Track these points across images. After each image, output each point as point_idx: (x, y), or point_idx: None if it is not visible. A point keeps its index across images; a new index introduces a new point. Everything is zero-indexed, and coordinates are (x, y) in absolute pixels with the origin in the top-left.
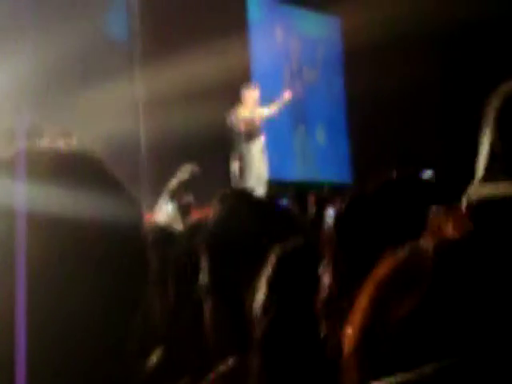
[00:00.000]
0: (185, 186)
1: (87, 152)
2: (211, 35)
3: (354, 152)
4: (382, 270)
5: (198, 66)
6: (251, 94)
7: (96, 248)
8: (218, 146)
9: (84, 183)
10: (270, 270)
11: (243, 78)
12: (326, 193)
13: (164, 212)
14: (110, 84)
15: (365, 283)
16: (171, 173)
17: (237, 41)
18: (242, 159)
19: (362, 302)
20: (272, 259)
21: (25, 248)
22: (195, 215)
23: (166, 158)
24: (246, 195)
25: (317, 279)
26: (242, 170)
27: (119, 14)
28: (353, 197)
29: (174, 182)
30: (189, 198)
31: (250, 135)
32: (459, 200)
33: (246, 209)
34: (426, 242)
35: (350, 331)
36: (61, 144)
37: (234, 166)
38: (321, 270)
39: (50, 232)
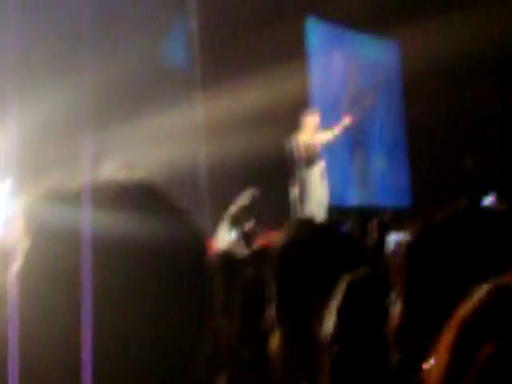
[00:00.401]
0: (246, 212)
1: (149, 182)
2: (270, 61)
3: (413, 178)
4: (467, 308)
5: (258, 92)
6: (311, 120)
7: (160, 274)
8: (278, 172)
9: (145, 212)
10: (340, 298)
11: (302, 103)
12: (387, 218)
13: (226, 238)
14: (171, 110)
15: (449, 321)
16: (231, 198)
17: (296, 66)
18: (301, 184)
19: (447, 340)
20: (342, 287)
21: (91, 274)
22: (259, 241)
23: (226, 183)
24: (311, 223)
25: (386, 308)
26: (301, 196)
27: (179, 41)
28: (424, 225)
29: (234, 208)
30: (251, 224)
31: (310, 160)
32: None
33: (313, 236)
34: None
35: (434, 368)
36: (124, 174)
37: (294, 192)
38: (390, 298)
39: (115, 261)
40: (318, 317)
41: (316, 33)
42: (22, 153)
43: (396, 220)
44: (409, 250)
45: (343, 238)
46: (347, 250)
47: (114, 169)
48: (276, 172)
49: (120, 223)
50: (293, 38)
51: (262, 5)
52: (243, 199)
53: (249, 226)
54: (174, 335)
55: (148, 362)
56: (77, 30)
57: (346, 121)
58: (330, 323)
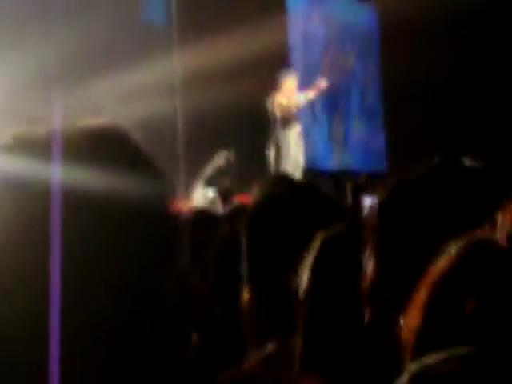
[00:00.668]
0: (222, 173)
1: (117, 128)
2: (249, 18)
3: (390, 141)
4: (441, 266)
5: (236, 50)
6: (289, 81)
7: (125, 220)
8: (255, 131)
9: (112, 159)
10: (314, 254)
11: (281, 63)
12: (362, 182)
13: (202, 197)
14: (148, 67)
15: (422, 278)
16: (208, 156)
17: (275, 25)
18: (277, 146)
19: (421, 298)
20: (316, 244)
21: (58, 222)
22: (237, 200)
23: (202, 140)
24: (287, 180)
25: (359, 265)
26: (277, 157)
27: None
28: (396, 184)
29: (210, 168)
30: (227, 183)
31: (286, 122)
32: (505, 188)
33: (288, 193)
34: (490, 237)
35: (409, 323)
36: (91, 122)
37: (270, 152)
38: (363, 256)
39: (79, 206)
40: (292, 273)
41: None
42: None
43: (371, 184)
44: (381, 207)
45: (319, 195)
46: (323, 206)
47: (79, 117)
48: (253, 131)
49: (85, 170)
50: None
51: None
52: (218, 160)
53: (225, 185)
54: (139, 284)
55: (115, 307)
56: None
57: (323, 84)
58: (304, 279)
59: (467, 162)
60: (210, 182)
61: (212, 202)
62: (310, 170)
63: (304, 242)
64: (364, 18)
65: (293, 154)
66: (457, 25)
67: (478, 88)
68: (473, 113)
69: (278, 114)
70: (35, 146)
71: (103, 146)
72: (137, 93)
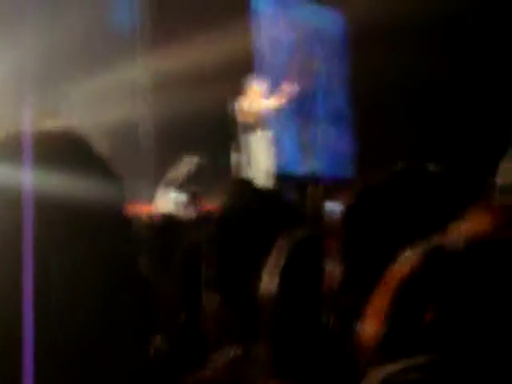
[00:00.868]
0: (191, 177)
1: (71, 130)
2: (215, 23)
3: (357, 146)
4: (402, 268)
5: (202, 54)
6: (255, 86)
7: (80, 222)
8: (221, 135)
9: (67, 160)
10: (278, 258)
11: (247, 67)
12: (326, 187)
13: (169, 201)
14: (117, 71)
15: (381, 281)
16: (175, 160)
17: (241, 30)
18: (242, 150)
19: (381, 303)
20: (279, 249)
21: (30, 228)
22: (205, 205)
23: (170, 145)
24: (250, 185)
25: (322, 269)
26: (242, 162)
27: (123, 3)
28: (361, 189)
29: (178, 173)
30: (195, 188)
31: (252, 127)
32: (469, 193)
33: (251, 198)
34: (452, 240)
35: (369, 328)
36: (48, 123)
37: (234, 157)
38: (327, 261)
39: (36, 209)
40: (256, 278)
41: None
42: None
43: (336, 190)
44: (347, 212)
45: (280, 200)
46: (284, 212)
47: (37, 118)
48: (218, 136)
49: (41, 173)
50: (238, 1)
51: None
52: (186, 165)
53: (193, 190)
54: (100, 289)
55: (82, 313)
56: None
57: (290, 88)
58: (266, 284)
59: (431, 166)
60: (180, 187)
61: (181, 206)
62: (278, 176)
63: (267, 248)
64: (331, 22)
65: (259, 159)
66: (426, 28)
67: (446, 92)
68: (441, 117)
69: (241, 119)
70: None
71: (59, 148)
72: (105, 97)
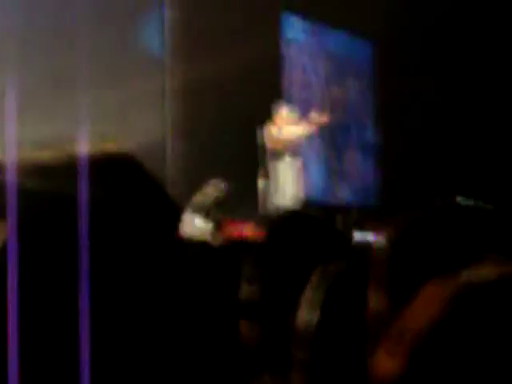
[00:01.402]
0: (217, 203)
1: (128, 154)
2: (245, 50)
3: (384, 176)
4: (428, 300)
5: (231, 80)
6: (283, 113)
7: (135, 246)
8: (248, 161)
9: (123, 185)
10: (316, 289)
11: (276, 94)
12: (353, 216)
13: (193, 226)
14: (142, 92)
15: (408, 312)
16: (198, 184)
17: (271, 56)
18: (269, 177)
19: (403, 341)
20: (317, 278)
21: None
22: (228, 231)
23: (194, 169)
24: (299, 213)
25: (364, 302)
26: (269, 188)
27: (154, 27)
28: (405, 222)
29: (203, 198)
30: (220, 216)
31: (278, 153)
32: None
33: (303, 226)
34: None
35: (385, 365)
36: (100, 147)
37: (261, 183)
38: (369, 293)
39: (91, 232)
40: (295, 308)
41: (292, 28)
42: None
43: (362, 219)
44: (391, 245)
45: (334, 230)
46: (335, 242)
47: (93, 140)
48: (247, 161)
49: (96, 197)
50: (269, 28)
51: None
52: (212, 189)
53: (218, 216)
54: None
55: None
56: (60, 7)
57: (318, 118)
58: (305, 314)
59: (466, 201)
60: (205, 213)
61: (203, 232)
62: (306, 204)
63: (310, 277)
64: (361, 51)
65: (285, 186)
66: (457, 59)
67: (473, 127)
68: (467, 152)
69: (270, 145)
70: (43, 174)
71: (115, 172)
72: (132, 118)
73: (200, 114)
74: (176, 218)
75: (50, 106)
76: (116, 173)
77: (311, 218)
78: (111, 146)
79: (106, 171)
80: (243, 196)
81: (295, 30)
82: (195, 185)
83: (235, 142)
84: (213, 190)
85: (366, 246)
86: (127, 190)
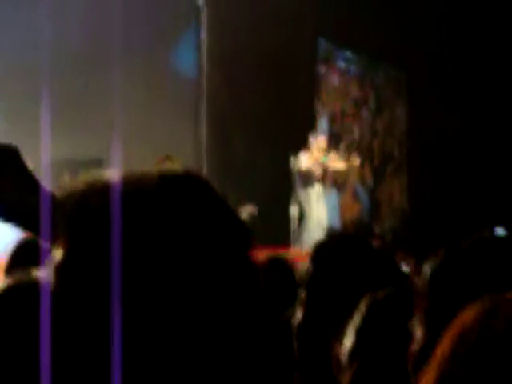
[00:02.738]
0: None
1: (192, 173)
2: (279, 73)
3: (411, 202)
4: (462, 322)
5: (265, 107)
6: (317, 142)
7: (207, 269)
8: (281, 188)
9: (192, 204)
10: (359, 317)
11: (310, 121)
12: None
13: None
14: (174, 119)
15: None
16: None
17: (306, 88)
18: (300, 204)
19: (441, 352)
20: (362, 307)
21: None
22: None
23: (226, 194)
24: (347, 236)
25: (408, 331)
26: (300, 216)
27: (189, 50)
28: (448, 251)
29: None
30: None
31: (310, 182)
32: None
33: (358, 255)
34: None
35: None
36: (165, 167)
37: (293, 210)
38: (412, 322)
39: (157, 257)
40: (339, 335)
41: (327, 54)
42: None
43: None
44: (433, 275)
45: (389, 260)
46: (382, 267)
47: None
48: (278, 188)
49: (163, 216)
50: (303, 52)
51: (274, 18)
52: (242, 215)
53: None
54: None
55: None
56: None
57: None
58: (347, 342)
59: (503, 232)
60: None
61: None
62: (337, 231)
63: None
64: (391, 80)
65: (315, 213)
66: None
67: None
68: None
69: (303, 172)
70: (109, 195)
71: (182, 191)
72: (163, 141)
73: (234, 138)
74: (247, 238)
75: (83, 128)
76: (183, 193)
77: (361, 242)
78: (177, 166)
79: (172, 192)
80: (275, 222)
81: (331, 57)
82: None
83: (269, 167)
84: (246, 215)
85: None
86: (196, 211)
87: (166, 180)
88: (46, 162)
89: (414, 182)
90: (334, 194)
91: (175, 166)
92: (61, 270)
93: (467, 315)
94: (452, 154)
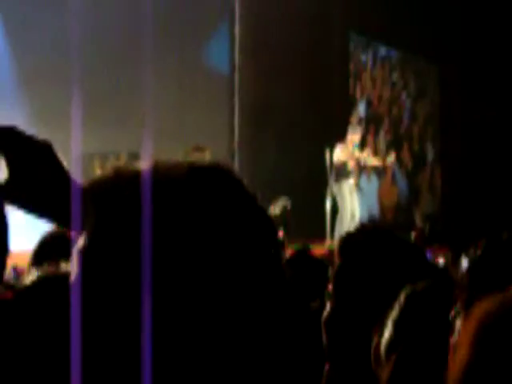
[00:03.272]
0: (278, 222)
1: (222, 165)
2: (311, 67)
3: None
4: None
5: (298, 100)
6: (351, 136)
7: (232, 262)
8: (314, 182)
9: (220, 195)
10: (398, 309)
11: (345, 116)
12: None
13: None
14: (207, 113)
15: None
16: (264, 206)
17: (340, 83)
18: (333, 197)
19: (464, 340)
20: (400, 299)
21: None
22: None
23: (259, 190)
24: (376, 229)
25: (448, 322)
26: (333, 209)
27: (222, 45)
28: (488, 243)
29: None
30: (281, 234)
31: (342, 175)
32: None
33: (389, 247)
34: None
35: (452, 366)
36: (194, 157)
37: (327, 204)
38: (452, 313)
39: (185, 244)
40: (377, 328)
41: (361, 49)
42: None
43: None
44: (473, 266)
45: (420, 253)
46: (415, 260)
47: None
48: (313, 181)
49: (192, 207)
50: (337, 48)
51: (306, 12)
52: (275, 208)
53: (279, 235)
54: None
55: None
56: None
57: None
58: (386, 334)
59: None
60: None
61: None
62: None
63: (392, 297)
64: (428, 78)
65: (348, 206)
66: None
67: None
68: None
69: (337, 166)
70: (139, 183)
71: (211, 182)
72: (197, 136)
73: (268, 132)
74: (272, 229)
75: (114, 123)
76: (211, 184)
77: (391, 235)
78: (204, 156)
79: (201, 183)
80: (310, 215)
81: (362, 50)
82: (263, 204)
83: (303, 161)
84: (275, 208)
85: (444, 268)
86: (223, 201)
87: (196, 171)
88: (76, 155)
89: (450, 175)
90: (373, 179)
91: (205, 156)
92: (86, 254)
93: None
94: (489, 146)
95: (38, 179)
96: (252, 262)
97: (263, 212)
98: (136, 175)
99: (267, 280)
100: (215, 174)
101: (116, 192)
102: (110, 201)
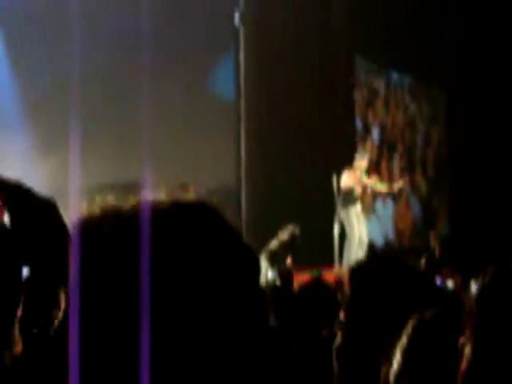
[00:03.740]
0: (285, 248)
1: (206, 203)
2: (318, 92)
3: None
4: None
5: (305, 126)
6: (358, 162)
7: (215, 300)
8: (322, 208)
9: (204, 233)
10: (406, 338)
11: (352, 142)
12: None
13: (263, 275)
14: (214, 140)
15: None
16: (272, 232)
17: (345, 109)
18: (341, 223)
19: None
20: (408, 327)
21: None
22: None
23: (267, 217)
24: (387, 259)
25: (456, 349)
26: (341, 234)
27: (228, 73)
28: (496, 270)
29: (274, 243)
30: (289, 260)
31: (350, 201)
32: None
33: (387, 271)
34: None
35: None
36: (179, 196)
37: (336, 229)
38: (461, 341)
39: (172, 280)
40: (386, 357)
41: (365, 73)
42: None
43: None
44: (481, 293)
45: (430, 281)
46: (424, 287)
47: (168, 191)
48: (320, 208)
49: (176, 245)
50: (343, 74)
51: (311, 36)
52: (283, 234)
53: (288, 262)
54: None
55: None
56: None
57: (401, 184)
58: (395, 363)
59: None
60: (272, 259)
61: (271, 282)
62: (378, 251)
63: (402, 325)
64: (433, 104)
65: (356, 231)
66: None
67: None
68: None
69: (344, 192)
70: (121, 221)
71: (193, 220)
72: (206, 162)
73: (275, 158)
74: (254, 266)
75: (120, 151)
76: (194, 221)
77: (400, 264)
78: (188, 195)
79: (184, 220)
80: (319, 241)
81: (369, 74)
82: (271, 230)
83: (311, 186)
84: (283, 235)
85: (454, 293)
86: (205, 239)
87: (179, 207)
88: (75, 188)
89: (461, 198)
90: (389, 203)
91: (189, 194)
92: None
93: None
94: (497, 171)
95: (36, 235)
96: (232, 297)
97: (247, 249)
98: (119, 212)
99: (243, 317)
100: (197, 210)
101: (99, 230)
102: (92, 239)
